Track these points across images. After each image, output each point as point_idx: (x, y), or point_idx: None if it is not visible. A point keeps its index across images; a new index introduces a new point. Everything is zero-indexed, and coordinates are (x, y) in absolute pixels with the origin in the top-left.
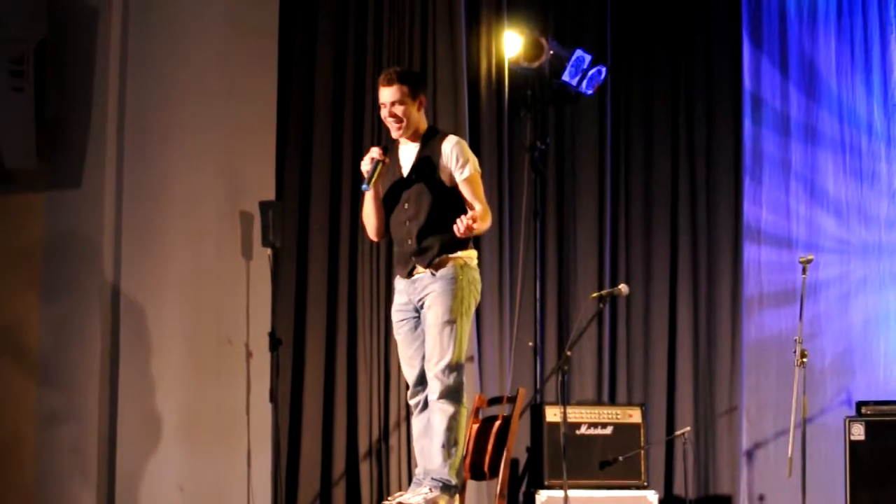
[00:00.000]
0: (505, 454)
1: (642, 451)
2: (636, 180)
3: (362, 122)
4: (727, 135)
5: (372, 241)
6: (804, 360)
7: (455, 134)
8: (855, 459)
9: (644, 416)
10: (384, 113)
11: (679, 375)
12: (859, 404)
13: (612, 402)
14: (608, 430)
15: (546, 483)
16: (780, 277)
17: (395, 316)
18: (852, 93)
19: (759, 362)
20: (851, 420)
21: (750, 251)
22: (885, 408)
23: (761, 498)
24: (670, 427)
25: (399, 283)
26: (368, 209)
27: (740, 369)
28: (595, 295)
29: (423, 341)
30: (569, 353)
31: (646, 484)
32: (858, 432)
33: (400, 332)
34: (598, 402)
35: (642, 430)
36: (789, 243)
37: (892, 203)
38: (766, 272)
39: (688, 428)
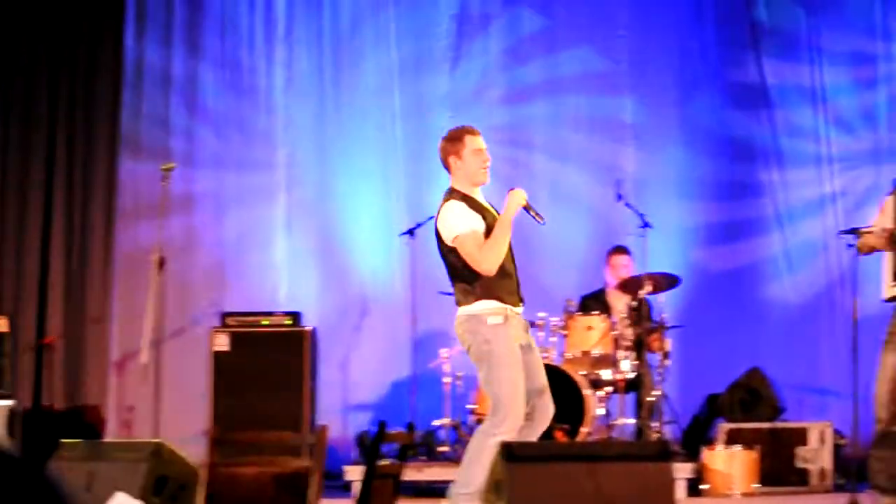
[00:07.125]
0: None
1: (8, 361)
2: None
3: None
4: (108, 49)
5: None
6: (162, 268)
7: None
8: (219, 369)
9: (12, 325)
10: (484, 157)
11: (51, 286)
12: (224, 315)
13: None
14: None
15: None
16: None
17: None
18: (235, 8)
19: (132, 273)
20: (216, 330)
21: (127, 164)
22: (249, 318)
23: (130, 408)
24: (41, 336)
25: (514, 318)
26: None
27: (112, 280)
28: None
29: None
30: None
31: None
32: (223, 343)
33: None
34: None
35: (8, 339)
36: (167, 155)
37: (269, 116)
38: (143, 184)
39: (57, 336)
